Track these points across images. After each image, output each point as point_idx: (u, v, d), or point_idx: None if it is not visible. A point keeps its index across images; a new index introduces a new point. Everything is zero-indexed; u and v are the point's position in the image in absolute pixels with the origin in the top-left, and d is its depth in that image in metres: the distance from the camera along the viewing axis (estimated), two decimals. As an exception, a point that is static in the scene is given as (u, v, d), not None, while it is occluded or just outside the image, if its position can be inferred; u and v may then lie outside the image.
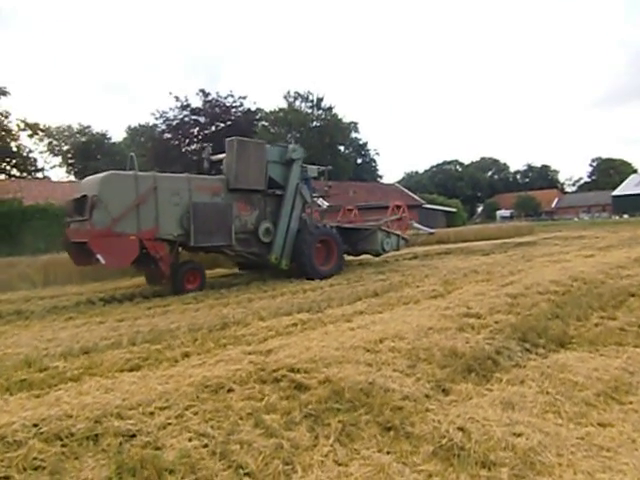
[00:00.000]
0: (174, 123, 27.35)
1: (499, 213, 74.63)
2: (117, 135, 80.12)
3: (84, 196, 10.10)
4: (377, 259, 16.14)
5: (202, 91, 28.43)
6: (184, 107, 27.50)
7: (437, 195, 40.59)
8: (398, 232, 15.86)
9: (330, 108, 38.29)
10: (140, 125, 51.05)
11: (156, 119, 27.88)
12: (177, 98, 27.35)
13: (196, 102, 28.33)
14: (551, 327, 5.84)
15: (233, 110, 28.31)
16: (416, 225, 20.04)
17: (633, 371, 4.29)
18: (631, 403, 3.71)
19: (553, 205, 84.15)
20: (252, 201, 12.27)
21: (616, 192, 72.33)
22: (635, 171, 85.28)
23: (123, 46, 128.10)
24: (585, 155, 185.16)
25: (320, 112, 38.00)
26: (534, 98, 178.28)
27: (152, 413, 3.76)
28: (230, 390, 4.18)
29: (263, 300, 9.18)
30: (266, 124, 39.16)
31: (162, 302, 9.63)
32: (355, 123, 43.17)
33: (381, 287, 9.66)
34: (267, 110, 40.84)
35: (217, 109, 27.77)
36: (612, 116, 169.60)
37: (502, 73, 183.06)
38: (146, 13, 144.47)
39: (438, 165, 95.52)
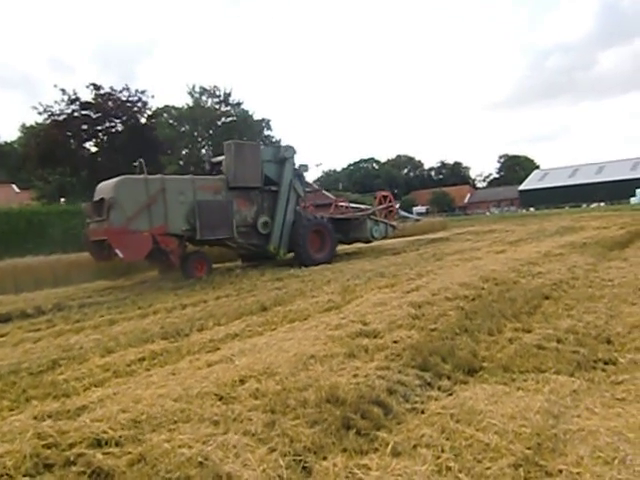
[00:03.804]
0: (60, 118, 24.51)
1: (415, 209, 75.92)
2: (11, 134, 73.61)
3: (102, 199, 11.22)
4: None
5: (93, 84, 25.83)
6: (72, 101, 24.73)
7: (351, 193, 39.93)
8: (386, 220, 17.34)
9: (239, 104, 36.36)
10: (37, 123, 46.71)
11: (39, 114, 24.90)
12: (64, 91, 24.56)
13: (87, 96, 25.69)
14: (459, 346, 4.76)
15: (129, 105, 25.88)
16: (403, 213, 21.78)
17: (557, 414, 3.21)
18: (561, 472, 2.59)
19: (466, 200, 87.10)
20: (250, 197, 13.63)
21: (522, 187, 75.84)
22: (537, 167, 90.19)
23: (23, 36, 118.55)
24: (493, 152, 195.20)
25: (228, 108, 36.11)
26: (444, 98, 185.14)
27: None
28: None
29: (129, 322, 7.58)
30: (172, 121, 36.79)
31: (1, 329, 7.78)
32: (268, 120, 41.41)
33: (274, 298, 8.32)
34: (174, 106, 38.51)
35: (110, 103, 25.24)
36: (516, 116, 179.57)
37: (414, 73, 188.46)
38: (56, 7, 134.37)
39: (355, 163, 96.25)
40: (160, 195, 11.54)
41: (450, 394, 3.74)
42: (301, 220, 14.25)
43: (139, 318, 7.81)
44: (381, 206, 17.88)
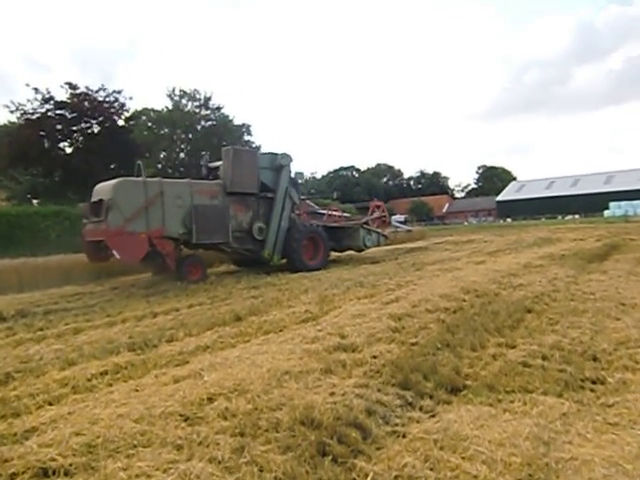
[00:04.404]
0: (34, 117, 23.82)
1: (394, 218, 75.98)
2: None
3: (100, 200, 11.19)
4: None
5: (69, 84, 25.22)
6: (46, 100, 24.07)
7: (331, 200, 39.72)
8: (378, 230, 17.68)
9: (219, 108, 35.94)
10: (10, 122, 45.47)
11: (11, 112, 24.15)
12: (37, 90, 23.90)
13: (62, 96, 25.04)
14: (441, 362, 4.54)
15: (105, 105, 25.31)
16: (395, 223, 22.56)
17: (548, 440, 3.00)
18: (555, 508, 2.37)
19: (444, 210, 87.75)
20: (247, 203, 13.76)
21: (499, 198, 76.71)
22: (515, 178, 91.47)
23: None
24: (472, 163, 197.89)
25: (208, 112, 35.66)
26: (425, 108, 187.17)
27: None
28: None
29: (95, 331, 7.17)
30: (150, 124, 36.17)
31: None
32: (248, 125, 40.97)
33: (249, 307, 8.01)
34: (153, 108, 37.92)
35: (86, 104, 24.64)
36: (494, 127, 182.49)
37: (395, 82, 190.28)
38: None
39: (336, 171, 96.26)
40: (158, 198, 11.60)
41: (433, 415, 3.51)
42: (296, 227, 14.42)
43: (106, 327, 7.42)
44: (374, 215, 18.21)
